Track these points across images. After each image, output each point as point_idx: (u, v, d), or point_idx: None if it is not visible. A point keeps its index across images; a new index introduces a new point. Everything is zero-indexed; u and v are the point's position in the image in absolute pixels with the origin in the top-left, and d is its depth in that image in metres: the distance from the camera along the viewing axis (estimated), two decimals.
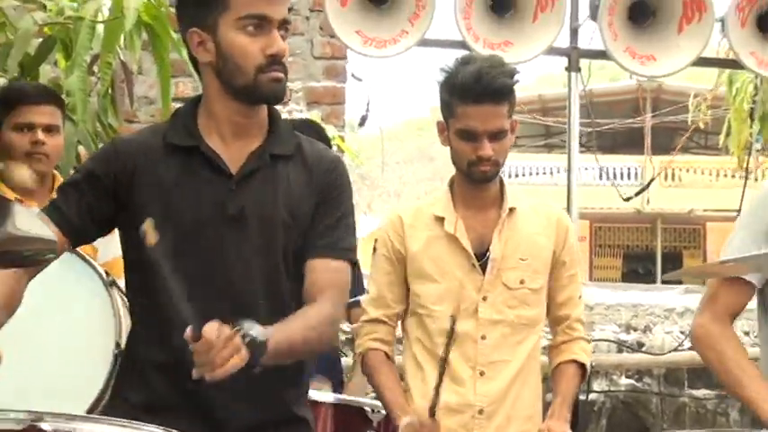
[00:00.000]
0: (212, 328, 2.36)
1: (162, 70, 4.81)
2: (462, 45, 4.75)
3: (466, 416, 3.37)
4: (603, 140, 23.77)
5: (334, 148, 5.50)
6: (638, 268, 29.37)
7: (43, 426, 2.16)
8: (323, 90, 6.20)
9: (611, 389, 6.51)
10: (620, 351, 6.55)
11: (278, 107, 2.92)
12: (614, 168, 23.94)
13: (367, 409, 3.69)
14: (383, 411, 3.51)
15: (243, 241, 2.70)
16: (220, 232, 2.70)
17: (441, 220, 3.46)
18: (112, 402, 2.92)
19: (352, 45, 4.79)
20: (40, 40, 4.66)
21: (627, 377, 6.54)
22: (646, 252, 29.78)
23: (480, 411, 3.37)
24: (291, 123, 4.30)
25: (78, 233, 2.74)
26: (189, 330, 2.38)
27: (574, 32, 4.96)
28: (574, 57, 4.98)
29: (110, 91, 4.88)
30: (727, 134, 10.30)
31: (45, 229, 2.31)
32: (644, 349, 6.58)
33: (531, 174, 28.35)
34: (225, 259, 2.70)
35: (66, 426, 2.19)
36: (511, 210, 3.46)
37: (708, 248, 29.06)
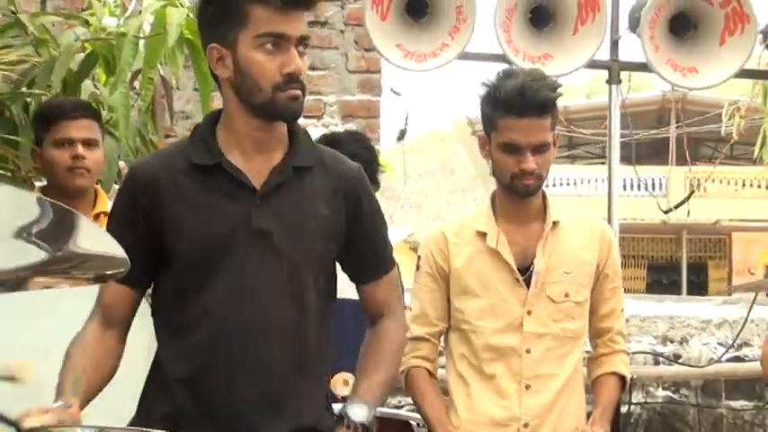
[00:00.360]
0: None
1: (203, 85, 4.82)
2: (502, 58, 4.76)
3: (511, 429, 3.40)
4: (628, 151, 23.75)
5: None
6: (662, 279, 29.33)
7: None
8: (358, 104, 6.22)
9: (648, 400, 6.54)
10: (656, 363, 6.56)
11: (313, 120, 2.95)
12: (640, 179, 23.93)
13: (413, 423, 3.71)
14: None
15: (269, 256, 2.72)
16: (246, 248, 2.71)
17: (483, 235, 3.48)
18: (138, 416, 2.91)
19: (392, 59, 4.79)
20: (82, 56, 4.68)
21: (664, 389, 6.55)
22: (670, 263, 29.72)
23: (526, 425, 3.39)
24: (334, 136, 4.32)
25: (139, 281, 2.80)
26: None
27: (614, 45, 4.97)
28: (615, 69, 4.99)
29: (150, 106, 4.92)
30: (762, 144, 10.30)
31: (113, 246, 2.32)
32: (681, 361, 6.59)
33: (554, 185, 28.33)
34: (252, 275, 2.71)
35: None
36: (554, 223, 3.48)
37: (733, 258, 29.01)
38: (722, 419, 6.66)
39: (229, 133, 2.76)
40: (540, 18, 4.86)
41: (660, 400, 6.53)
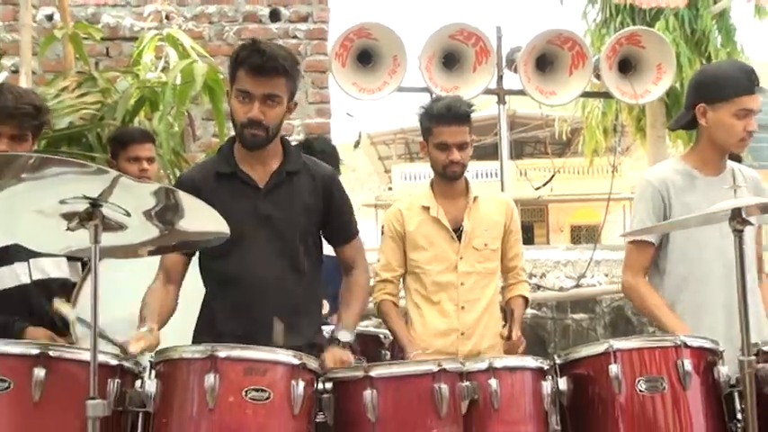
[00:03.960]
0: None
1: (218, 116, 4.87)
2: (426, 89, 4.85)
3: (452, 337, 3.46)
4: (478, 151, 23.86)
5: None
6: None
7: (219, 353, 2.24)
8: (315, 125, 6.21)
9: None
10: None
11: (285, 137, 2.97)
12: (486, 170, 24.02)
13: (381, 335, 3.76)
14: (391, 337, 3.60)
15: (270, 235, 2.80)
16: (254, 230, 2.79)
17: (427, 208, 3.54)
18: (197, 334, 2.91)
19: (350, 93, 4.87)
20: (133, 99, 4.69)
21: (531, 308, 6.61)
22: None
23: (462, 333, 3.46)
24: (309, 141, 4.30)
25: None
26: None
27: (500, 78, 5.08)
28: (501, 94, 5.11)
29: (182, 132, 4.95)
30: (584, 143, 10.57)
31: (215, 222, 2.37)
32: (540, 290, 6.70)
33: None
34: (260, 246, 2.79)
35: (232, 352, 2.26)
36: (475, 198, 3.57)
37: (549, 221, 29.39)
38: (569, 328, 6.76)
39: (239, 150, 2.86)
40: (451, 62, 4.96)
41: (529, 317, 6.59)
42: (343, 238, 2.99)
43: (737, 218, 2.46)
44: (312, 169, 2.92)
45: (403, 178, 28.27)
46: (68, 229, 2.16)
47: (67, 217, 2.16)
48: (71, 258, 3.25)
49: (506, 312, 3.47)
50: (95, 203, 2.13)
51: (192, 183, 2.80)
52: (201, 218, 2.38)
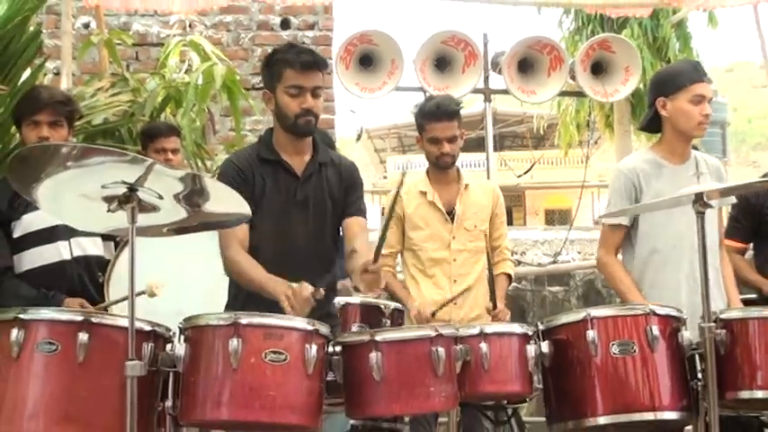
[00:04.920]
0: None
1: (235, 112, 4.89)
2: (420, 89, 4.84)
3: (445, 307, 3.44)
4: (465, 143, 23.75)
5: None
6: None
7: (242, 320, 2.23)
8: (321, 120, 6.17)
9: None
10: None
11: None
12: (471, 161, 23.97)
13: (382, 305, 3.73)
14: (392, 307, 3.58)
15: (305, 216, 2.81)
16: (292, 211, 2.81)
17: (424, 193, 3.56)
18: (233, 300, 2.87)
19: (353, 91, 4.85)
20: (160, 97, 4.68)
21: (512, 282, 6.59)
22: None
23: (455, 303, 3.46)
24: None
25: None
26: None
27: (486, 79, 5.06)
28: (487, 93, 5.10)
29: (203, 126, 4.94)
30: (559, 136, 10.58)
31: (237, 204, 2.35)
32: (521, 265, 6.69)
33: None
34: (295, 227, 2.81)
35: (253, 319, 2.25)
36: (466, 185, 3.58)
37: (526, 205, 29.42)
38: (546, 299, 6.75)
39: (279, 141, 2.85)
40: (442, 64, 4.94)
41: (511, 289, 6.55)
42: (352, 212, 2.91)
43: (700, 201, 2.48)
44: (337, 162, 2.93)
45: (396, 168, 28.18)
46: (109, 210, 2.17)
47: (108, 200, 2.17)
48: (105, 238, 3.28)
49: (492, 288, 3.47)
50: (132, 188, 2.14)
51: (244, 167, 2.79)
52: (225, 200, 2.38)
